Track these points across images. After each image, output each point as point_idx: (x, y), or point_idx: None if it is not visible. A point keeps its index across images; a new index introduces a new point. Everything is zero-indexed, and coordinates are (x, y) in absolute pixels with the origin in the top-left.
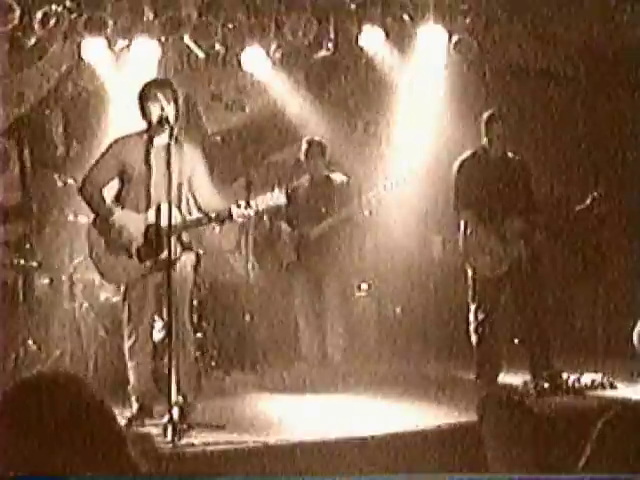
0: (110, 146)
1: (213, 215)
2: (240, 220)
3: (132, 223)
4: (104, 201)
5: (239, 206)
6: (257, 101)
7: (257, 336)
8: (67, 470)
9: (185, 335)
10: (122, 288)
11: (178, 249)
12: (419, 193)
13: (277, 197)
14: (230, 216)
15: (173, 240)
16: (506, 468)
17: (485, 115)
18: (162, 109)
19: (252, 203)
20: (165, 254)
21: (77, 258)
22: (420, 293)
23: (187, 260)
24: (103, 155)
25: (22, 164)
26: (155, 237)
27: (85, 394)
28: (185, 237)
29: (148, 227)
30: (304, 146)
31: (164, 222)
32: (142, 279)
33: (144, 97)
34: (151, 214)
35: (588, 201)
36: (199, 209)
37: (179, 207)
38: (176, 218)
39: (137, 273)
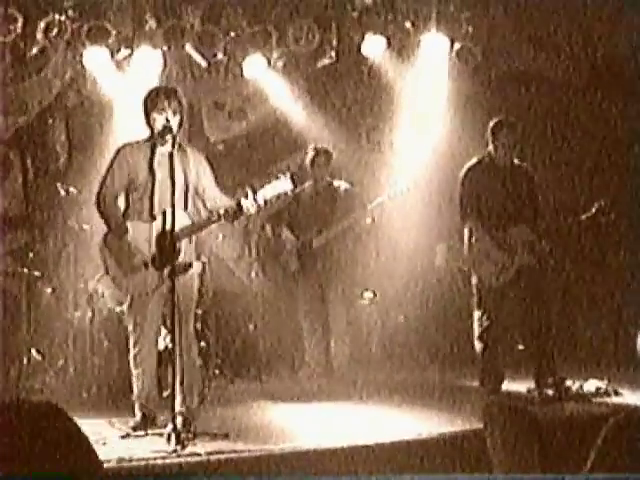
0: (117, 153)
1: (222, 211)
2: (251, 211)
3: (143, 234)
4: (120, 215)
5: (247, 197)
6: (259, 109)
7: (261, 344)
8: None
9: (190, 344)
10: (128, 297)
11: (193, 253)
12: (423, 201)
13: (283, 184)
14: (240, 209)
15: (185, 244)
16: (511, 475)
17: (492, 123)
18: (167, 120)
19: (259, 193)
20: (180, 260)
21: (80, 267)
22: (424, 301)
23: (194, 268)
24: (112, 164)
25: (25, 173)
26: (168, 243)
27: (62, 423)
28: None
29: (160, 235)
30: (311, 153)
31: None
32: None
33: (150, 104)
34: (159, 222)
35: (594, 209)
36: (207, 211)
37: (186, 211)
38: (185, 222)
39: (154, 283)
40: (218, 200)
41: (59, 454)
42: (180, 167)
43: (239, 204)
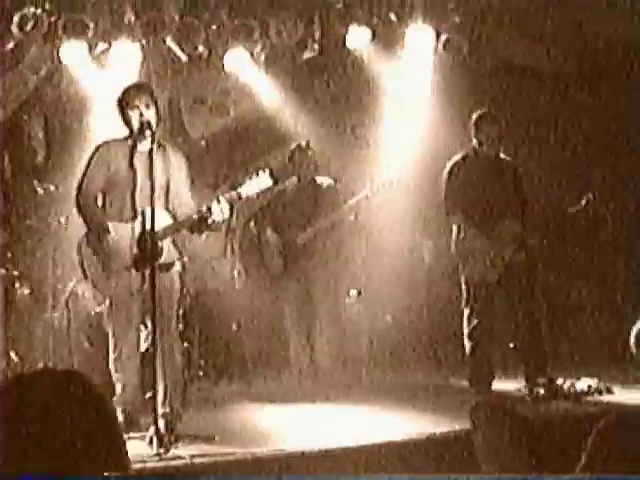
0: (96, 151)
1: (204, 209)
2: (219, 219)
3: (124, 234)
4: (102, 214)
5: (210, 211)
6: (242, 104)
7: (245, 345)
8: (61, 467)
9: (172, 345)
10: (107, 299)
11: (175, 253)
12: (409, 196)
13: (263, 180)
14: (206, 220)
15: (167, 244)
16: (501, 476)
17: (474, 116)
18: (141, 114)
19: (240, 191)
20: (162, 259)
21: (59, 267)
22: (411, 299)
23: (174, 268)
24: (90, 162)
25: (2, 171)
26: (149, 243)
27: (87, 392)
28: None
29: (140, 235)
30: (292, 150)
31: (155, 228)
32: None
33: (123, 104)
34: (140, 221)
35: (582, 203)
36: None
37: (168, 210)
38: (167, 221)
39: (137, 284)
40: (187, 208)
41: (82, 422)
42: (161, 165)
43: (206, 218)
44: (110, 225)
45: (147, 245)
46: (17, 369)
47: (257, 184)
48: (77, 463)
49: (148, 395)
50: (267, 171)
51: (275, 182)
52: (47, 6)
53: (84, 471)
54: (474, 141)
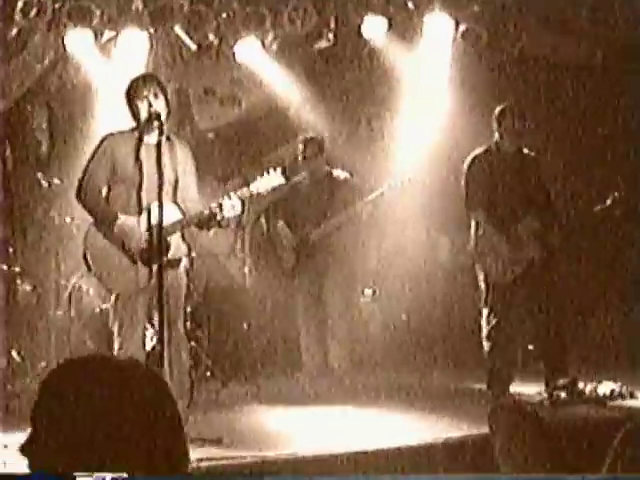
0: (101, 143)
1: (214, 205)
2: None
3: (131, 228)
4: (107, 204)
5: (221, 208)
6: (253, 95)
7: (255, 345)
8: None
9: (179, 344)
10: (112, 296)
11: (184, 248)
12: (426, 192)
13: (274, 178)
14: (215, 217)
15: (175, 239)
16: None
17: (497, 109)
18: (150, 105)
19: (252, 187)
20: (170, 254)
21: (63, 263)
22: (428, 298)
23: (181, 264)
24: (95, 154)
25: (3, 163)
26: (157, 238)
27: (160, 389)
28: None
29: (148, 229)
30: (300, 145)
31: (164, 222)
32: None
33: (130, 95)
34: (149, 215)
35: (608, 201)
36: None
37: (176, 204)
38: (176, 215)
39: (143, 280)
40: (194, 203)
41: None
42: (169, 159)
43: (216, 214)
44: (122, 219)
45: (155, 240)
46: (18, 368)
47: (268, 182)
48: (143, 462)
49: None
50: (279, 169)
51: (287, 179)
52: None
53: (148, 471)
54: (496, 135)
